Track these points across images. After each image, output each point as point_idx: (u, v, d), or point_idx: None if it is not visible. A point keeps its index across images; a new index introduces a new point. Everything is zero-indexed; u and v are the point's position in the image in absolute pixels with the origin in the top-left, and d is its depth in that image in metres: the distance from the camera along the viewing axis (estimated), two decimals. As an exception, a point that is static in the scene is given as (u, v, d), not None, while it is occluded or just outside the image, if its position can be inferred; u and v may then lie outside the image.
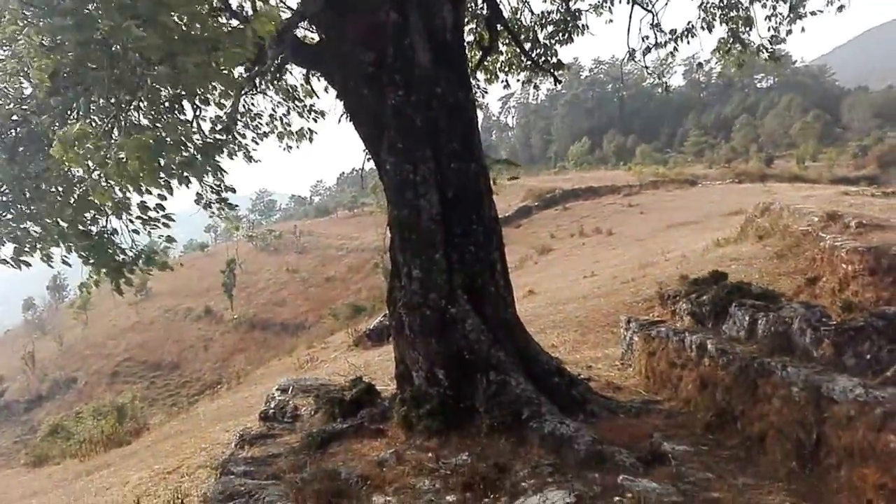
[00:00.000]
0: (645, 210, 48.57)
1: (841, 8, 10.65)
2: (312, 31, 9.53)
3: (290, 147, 11.26)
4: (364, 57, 7.89)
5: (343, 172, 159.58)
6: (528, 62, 12.56)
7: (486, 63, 12.37)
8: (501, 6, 11.50)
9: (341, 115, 8.72)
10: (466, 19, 10.59)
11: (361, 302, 46.38)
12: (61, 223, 6.06)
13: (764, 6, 11.20)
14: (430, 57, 7.76)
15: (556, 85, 13.57)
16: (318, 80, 10.41)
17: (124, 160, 4.54)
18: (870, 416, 5.59)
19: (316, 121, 11.14)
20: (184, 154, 4.75)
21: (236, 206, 8.14)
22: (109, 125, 5.85)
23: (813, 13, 11.02)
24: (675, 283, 13.82)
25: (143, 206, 5.98)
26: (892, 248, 10.88)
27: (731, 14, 11.38)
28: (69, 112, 6.38)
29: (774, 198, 24.49)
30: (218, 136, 7.76)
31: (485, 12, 11.36)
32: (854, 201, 19.10)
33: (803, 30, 11.16)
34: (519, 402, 7.22)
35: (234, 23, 8.30)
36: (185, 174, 4.93)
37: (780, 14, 11.15)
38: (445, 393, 7.42)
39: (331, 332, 33.83)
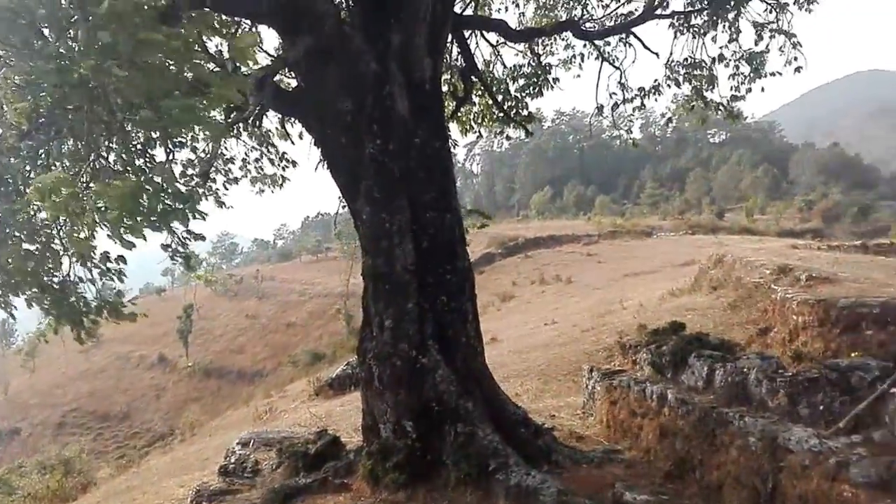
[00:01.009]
0: (603, 259, 49.11)
1: (798, 69, 10.98)
2: (292, 78, 9.53)
3: (262, 191, 11.15)
4: (343, 105, 7.85)
5: (308, 216, 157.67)
6: (500, 114, 12.69)
7: (459, 114, 12.47)
8: (476, 59, 11.66)
9: (318, 163, 8.67)
10: (443, 70, 10.69)
11: (323, 349, 45.67)
12: (23, 270, 5.81)
13: (727, 66, 11.51)
14: (408, 107, 7.77)
15: (526, 136, 13.73)
16: (293, 125, 10.39)
17: (103, 209, 4.41)
18: (824, 465, 5.63)
19: (286, 169, 11.06)
20: (166, 202, 4.62)
21: (198, 255, 7.98)
22: (79, 169, 5.71)
23: (773, 74, 11.34)
24: (634, 333, 13.91)
25: (104, 257, 5.80)
26: (839, 300, 11.08)
27: (696, 73, 11.66)
28: (40, 155, 6.23)
29: (726, 250, 24.92)
30: (194, 182, 7.64)
31: (460, 64, 11.49)
32: (802, 255, 19.49)
33: (763, 89, 11.48)
34: (486, 453, 7.11)
35: (211, 66, 8.26)
36: (165, 223, 4.79)
37: (742, 73, 11.45)
38: (413, 445, 7.28)
39: (290, 381, 33.01)
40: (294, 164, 10.91)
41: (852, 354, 9.74)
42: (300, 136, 10.23)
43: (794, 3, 10.69)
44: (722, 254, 22.29)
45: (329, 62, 7.75)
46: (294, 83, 9.21)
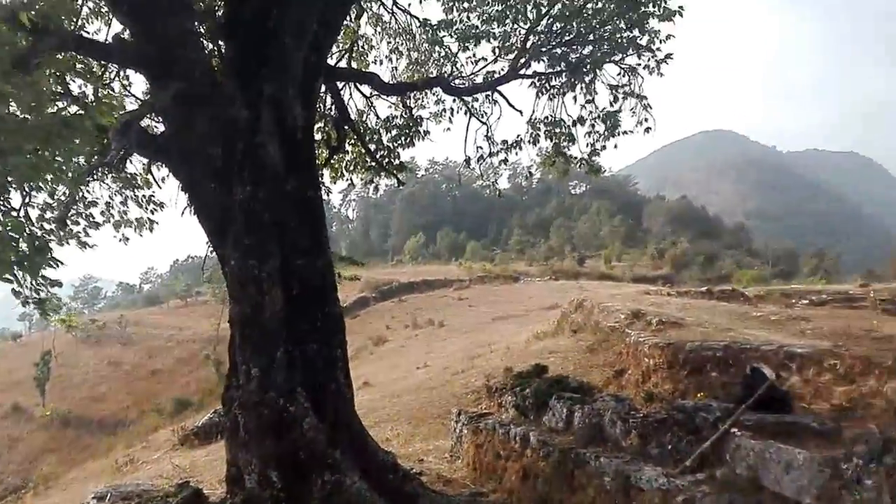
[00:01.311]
0: (474, 303, 49.81)
1: (648, 129, 11.70)
2: (158, 122, 9.21)
3: (127, 239, 10.59)
4: (213, 151, 7.66)
5: (177, 259, 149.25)
6: (373, 162, 12.77)
7: (332, 161, 12.44)
8: (349, 108, 11.72)
9: (185, 208, 8.38)
10: (316, 118, 10.65)
11: (190, 396, 43.37)
12: None
13: (583, 124, 12.10)
14: (280, 154, 7.66)
15: (398, 185, 13.86)
16: (159, 168, 10.00)
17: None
18: (672, 503, 5.89)
19: (154, 212, 10.60)
20: (19, 250, 4.28)
21: (59, 299, 7.45)
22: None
23: (625, 132, 12.03)
24: (500, 376, 14.11)
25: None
26: (686, 344, 11.70)
27: (556, 130, 12.18)
28: None
29: (586, 295, 25.89)
30: (50, 228, 7.18)
31: (334, 114, 11.51)
32: (654, 300, 20.51)
33: (616, 146, 12.15)
34: (353, 501, 6.97)
35: (74, 109, 7.87)
36: (11, 272, 4.42)
37: (598, 132, 12.07)
38: (278, 496, 7.01)
39: (154, 430, 31.05)
40: (161, 206, 10.46)
41: (698, 395, 10.29)
42: (163, 181, 9.85)
43: (645, 68, 11.42)
44: (582, 299, 23.08)
45: (199, 108, 7.57)
46: (162, 128, 8.91)
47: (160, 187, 10.01)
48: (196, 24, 8.55)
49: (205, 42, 8.87)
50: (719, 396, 8.15)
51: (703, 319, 15.08)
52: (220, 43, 8.77)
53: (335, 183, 12.91)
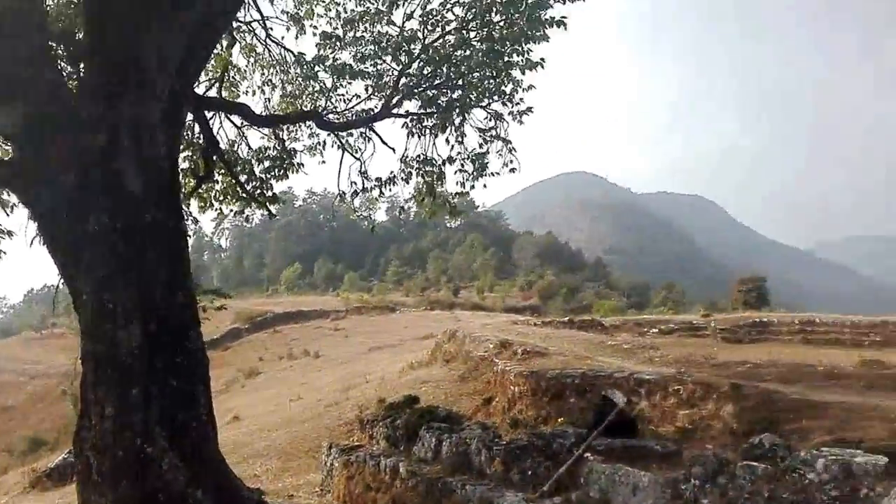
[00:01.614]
0: (350, 334, 49.16)
1: (513, 170, 11.95)
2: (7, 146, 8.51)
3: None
4: (66, 179, 7.11)
5: (32, 289, 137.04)
6: (244, 194, 12.34)
7: (200, 191, 11.92)
8: (218, 137, 11.28)
9: (34, 238, 7.71)
10: (182, 146, 10.16)
11: (44, 434, 39.71)
12: None
13: (453, 164, 12.23)
14: (140, 183, 7.20)
15: (270, 218, 13.45)
16: (8, 195, 9.20)
17: None
18: (532, 529, 5.92)
19: (1, 241, 9.71)
20: None
21: None
22: None
23: (493, 173, 12.24)
24: (374, 407, 13.93)
25: None
26: (548, 372, 12.02)
27: (427, 169, 12.23)
28: None
29: (459, 325, 26.17)
30: None
31: (201, 142, 11.05)
32: (521, 330, 21.03)
33: (485, 186, 12.34)
34: (214, 541, 6.56)
35: None
36: None
37: (467, 171, 12.22)
38: (136, 540, 6.50)
39: (3, 472, 28.32)
40: (10, 234, 9.60)
41: (559, 420, 10.51)
42: (11, 209, 9.05)
43: (510, 115, 11.71)
44: (455, 329, 23.31)
45: (52, 133, 7.02)
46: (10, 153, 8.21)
47: (8, 215, 9.18)
48: (53, 45, 7.99)
49: (63, 64, 8.32)
50: (577, 421, 8.33)
51: (565, 348, 15.57)
52: (80, 66, 8.23)
53: (203, 213, 12.36)
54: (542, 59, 10.83)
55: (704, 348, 20.17)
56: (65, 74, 8.27)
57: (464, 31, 11.01)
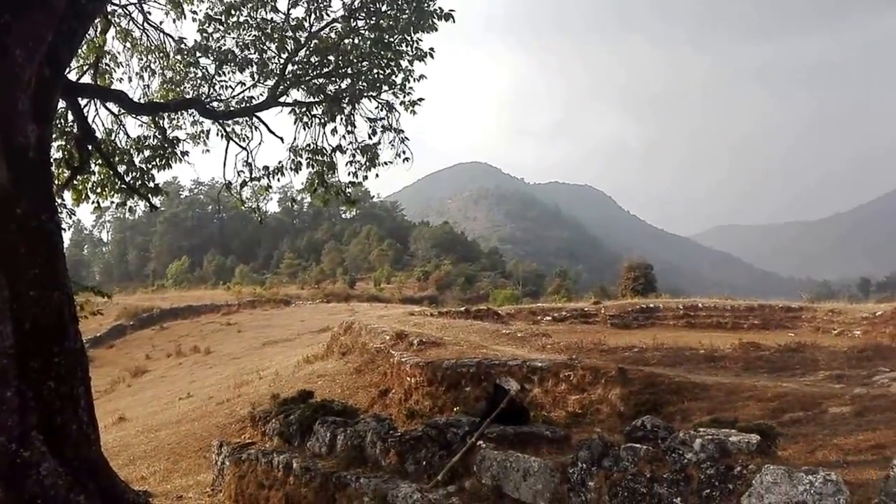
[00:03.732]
0: (242, 328, 47.88)
1: (406, 160, 12.01)
2: None
3: None
4: (-78, 172, 6.62)
5: None
6: (123, 185, 11.81)
7: (75, 182, 11.32)
8: (94, 126, 10.75)
9: None
10: (54, 136, 9.63)
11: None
12: None
13: (344, 153, 12.16)
14: (8, 176, 6.80)
15: (152, 210, 12.96)
16: None
17: None
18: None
19: None
20: None
21: None
22: None
23: (385, 163, 12.25)
24: (267, 403, 13.71)
25: None
26: (444, 362, 12.22)
27: (318, 158, 12.10)
28: None
29: (356, 317, 26.08)
30: None
31: (75, 131, 10.50)
32: (418, 321, 21.18)
33: (377, 176, 12.35)
34: (98, 548, 6.32)
35: None
36: None
37: (359, 161, 12.18)
38: (12, 551, 6.17)
39: None
40: None
41: (455, 410, 10.71)
42: None
43: (401, 105, 11.77)
44: (351, 321, 23.20)
45: None
46: None
47: None
48: None
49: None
50: (472, 410, 8.49)
51: (461, 338, 15.84)
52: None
53: (79, 206, 11.74)
54: (432, 50, 10.95)
55: (595, 334, 20.93)
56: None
57: (351, 20, 10.96)
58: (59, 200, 9.97)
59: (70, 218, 12.24)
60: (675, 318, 31.77)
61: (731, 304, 33.07)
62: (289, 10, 11.15)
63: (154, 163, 12.09)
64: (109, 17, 11.20)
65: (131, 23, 11.96)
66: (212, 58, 11.64)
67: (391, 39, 10.87)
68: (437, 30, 10.77)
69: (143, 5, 11.70)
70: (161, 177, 12.36)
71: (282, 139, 11.77)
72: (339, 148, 11.85)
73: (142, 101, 11.91)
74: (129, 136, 12.15)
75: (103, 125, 11.53)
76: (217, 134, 12.07)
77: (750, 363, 11.68)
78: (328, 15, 11.10)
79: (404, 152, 11.86)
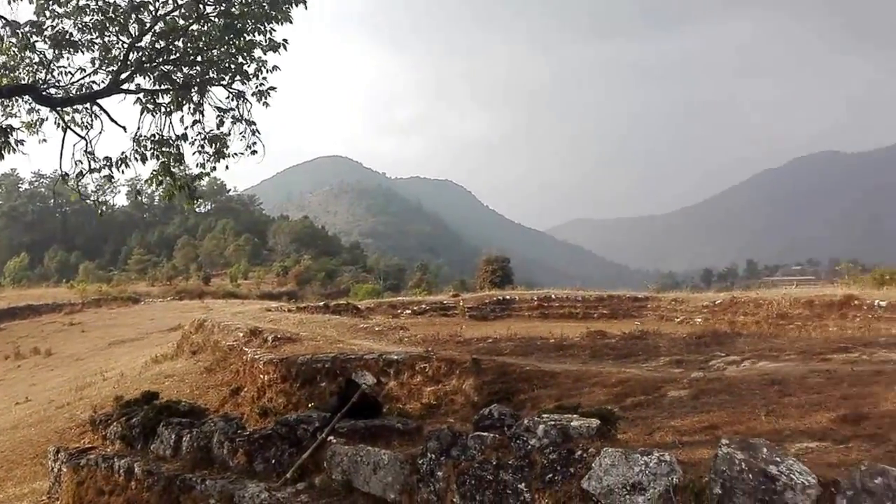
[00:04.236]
0: (87, 328, 44.80)
1: (254, 152, 11.54)
2: None
3: None
4: None
5: None
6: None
7: None
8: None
9: None
10: None
11: None
12: None
13: (192, 144, 11.55)
14: None
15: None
16: None
17: None
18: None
19: None
20: None
21: None
22: None
23: (235, 155, 11.73)
24: (109, 405, 12.87)
25: None
26: (299, 357, 11.95)
27: (164, 149, 11.43)
28: None
29: (209, 314, 25.04)
30: None
31: None
32: (274, 316, 20.63)
33: (227, 168, 11.82)
34: None
35: None
36: None
37: (207, 153, 11.60)
38: None
39: None
40: None
41: (310, 406, 10.48)
42: None
43: (253, 95, 11.29)
44: (203, 318, 22.27)
45: None
46: None
47: None
48: None
49: None
50: (324, 406, 8.33)
51: (317, 333, 15.54)
52: None
53: None
54: (286, 41, 10.62)
55: (453, 327, 21.28)
56: None
57: (200, 4, 10.41)
58: None
59: None
60: (530, 310, 32.84)
61: (583, 294, 34.55)
62: (133, -9, 10.44)
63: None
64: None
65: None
66: (49, 42, 10.69)
67: (243, 26, 10.41)
68: (291, 21, 10.46)
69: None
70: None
71: (124, 128, 11.00)
72: (184, 137, 11.23)
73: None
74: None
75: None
76: (55, 122, 11.10)
77: (597, 351, 12.17)
78: (174, -1, 10.49)
79: (255, 144, 11.42)
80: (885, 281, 27.57)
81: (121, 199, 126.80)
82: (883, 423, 5.07)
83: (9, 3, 10.87)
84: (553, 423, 4.86)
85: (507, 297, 34.46)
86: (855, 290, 20.50)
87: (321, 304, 27.63)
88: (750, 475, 3.69)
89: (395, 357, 11.05)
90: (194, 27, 10.63)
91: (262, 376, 12.40)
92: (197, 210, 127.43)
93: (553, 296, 33.76)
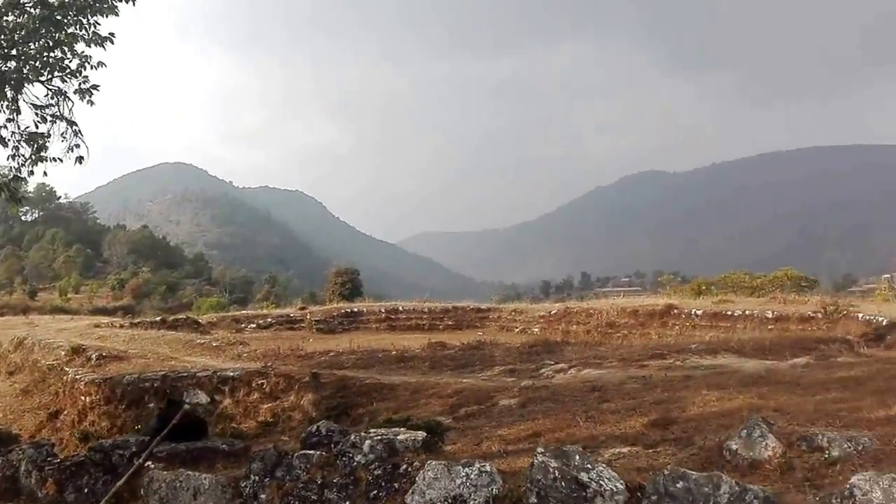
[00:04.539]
0: None
1: (80, 157, 10.63)
2: None
3: None
4: None
5: None
6: None
7: None
8: None
9: None
10: None
11: None
12: None
13: (6, 146, 10.49)
14: None
15: None
16: None
17: None
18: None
19: None
20: None
21: None
22: None
23: (55, 159, 10.74)
24: None
25: None
26: (125, 377, 11.20)
27: (-27, 151, 10.31)
28: None
29: (32, 331, 23.01)
30: None
31: None
32: (104, 333, 19.24)
33: (45, 173, 10.81)
34: None
35: None
36: None
37: (23, 155, 10.58)
38: None
39: None
40: None
41: (136, 428, 9.81)
42: None
43: (76, 93, 10.42)
44: (24, 336, 20.44)
45: None
46: None
47: None
48: None
49: None
50: (145, 429, 7.82)
51: (149, 350, 14.64)
52: None
53: None
54: (112, 35, 9.88)
55: (298, 340, 20.78)
56: None
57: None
58: None
59: None
60: (377, 322, 32.86)
61: (429, 306, 35.04)
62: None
63: None
64: None
65: None
66: None
67: (63, 18, 9.57)
68: (117, 13, 9.75)
69: None
70: None
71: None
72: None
73: None
74: None
75: None
76: None
77: (437, 362, 12.30)
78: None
79: (78, 146, 10.49)
80: (701, 291, 30.10)
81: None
82: (689, 426, 5.42)
83: None
84: (380, 437, 4.79)
85: (356, 309, 34.33)
86: (674, 300, 22.18)
87: (157, 318, 26.11)
88: (563, 483, 3.79)
89: (231, 374, 10.60)
90: (9, 17, 9.67)
91: (83, 398, 11.47)
92: (23, 218, 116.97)
93: (401, 308, 33.98)
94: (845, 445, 4.14)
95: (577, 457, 3.98)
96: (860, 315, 16.46)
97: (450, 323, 32.37)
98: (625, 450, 4.91)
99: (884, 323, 14.50)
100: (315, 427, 5.41)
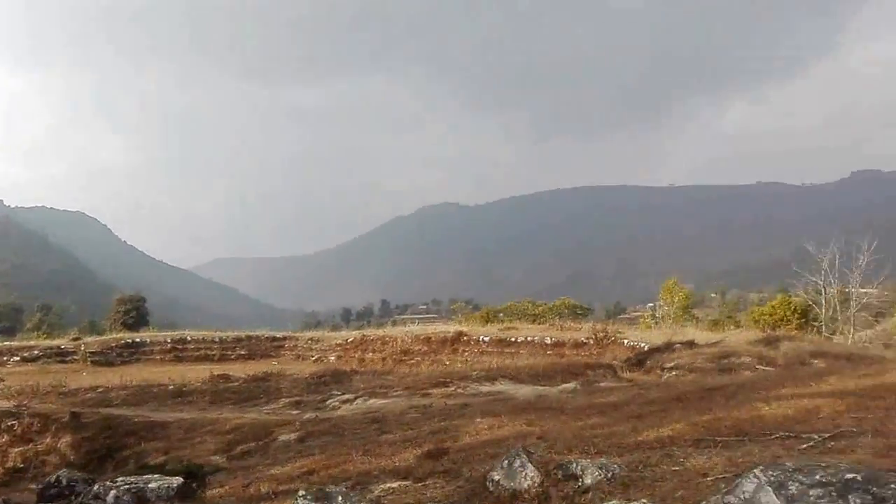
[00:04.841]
0: None
1: None
2: None
3: None
4: None
5: None
6: None
7: None
8: None
9: None
10: None
11: None
12: None
13: None
14: None
15: None
16: None
17: None
18: None
19: None
20: None
21: None
22: None
23: None
24: None
25: None
26: None
27: None
28: None
29: None
30: None
31: None
32: None
33: None
34: None
35: None
36: None
37: None
38: None
39: None
40: None
41: None
42: None
43: None
44: None
45: None
46: None
47: None
48: None
49: None
50: None
51: None
52: None
53: None
54: None
55: (66, 374, 18.90)
56: None
57: None
58: None
59: None
60: (162, 353, 30.84)
61: (220, 336, 33.48)
62: None
63: None
64: None
65: None
66: None
67: None
68: None
69: None
70: None
71: None
72: None
73: None
74: None
75: None
76: None
77: (218, 395, 11.62)
78: None
79: None
80: (489, 318, 31.51)
81: None
82: (459, 457, 5.46)
83: None
84: (127, 487, 4.30)
85: (138, 339, 32.10)
86: (465, 328, 22.89)
87: None
88: (320, 526, 3.61)
89: (-29, 416, 9.26)
90: None
91: None
92: None
93: (189, 337, 32.20)
94: (597, 473, 4.33)
95: (341, 497, 3.82)
96: (626, 341, 17.98)
97: (242, 353, 31.16)
98: (395, 484, 4.82)
99: (645, 348, 15.91)
100: (55, 477, 4.78)
